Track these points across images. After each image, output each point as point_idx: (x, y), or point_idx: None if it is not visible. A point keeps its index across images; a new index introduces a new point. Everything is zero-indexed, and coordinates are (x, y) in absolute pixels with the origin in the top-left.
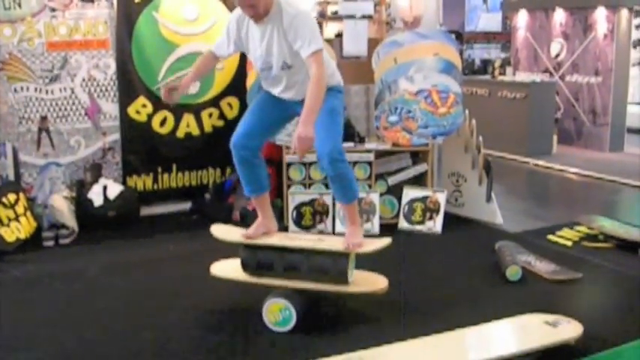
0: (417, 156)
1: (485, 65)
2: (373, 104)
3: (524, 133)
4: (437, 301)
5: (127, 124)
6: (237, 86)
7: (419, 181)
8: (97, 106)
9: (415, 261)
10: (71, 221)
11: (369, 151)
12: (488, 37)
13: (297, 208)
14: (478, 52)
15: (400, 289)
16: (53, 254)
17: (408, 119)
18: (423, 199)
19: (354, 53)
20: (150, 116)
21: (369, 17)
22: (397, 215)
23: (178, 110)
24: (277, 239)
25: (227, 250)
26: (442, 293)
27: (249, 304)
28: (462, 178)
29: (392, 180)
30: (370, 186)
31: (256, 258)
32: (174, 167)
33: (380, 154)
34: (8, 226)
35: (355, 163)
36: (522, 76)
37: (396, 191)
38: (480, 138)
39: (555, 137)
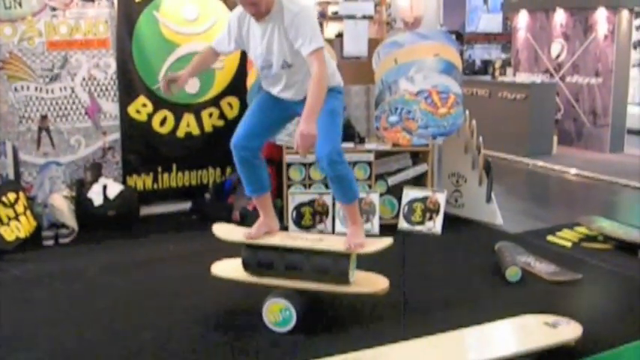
0: (417, 156)
1: (486, 66)
2: (373, 104)
3: (524, 133)
4: (437, 302)
5: (127, 123)
6: (237, 86)
7: (419, 181)
8: (97, 105)
9: (415, 261)
10: (71, 221)
11: (369, 151)
12: (488, 37)
13: (297, 208)
14: (478, 53)
15: (400, 290)
16: (53, 253)
17: (408, 120)
18: (423, 200)
19: (355, 53)
20: (150, 116)
21: (370, 17)
22: (397, 216)
23: (178, 110)
24: (279, 239)
25: (227, 249)
26: (442, 294)
27: (249, 304)
28: (462, 179)
29: (392, 180)
30: (370, 186)
31: (257, 257)
32: (174, 167)
33: (380, 155)
34: (8, 225)
35: (355, 163)
36: (523, 77)
37: (395, 191)
38: (480, 138)
39: (555, 138)
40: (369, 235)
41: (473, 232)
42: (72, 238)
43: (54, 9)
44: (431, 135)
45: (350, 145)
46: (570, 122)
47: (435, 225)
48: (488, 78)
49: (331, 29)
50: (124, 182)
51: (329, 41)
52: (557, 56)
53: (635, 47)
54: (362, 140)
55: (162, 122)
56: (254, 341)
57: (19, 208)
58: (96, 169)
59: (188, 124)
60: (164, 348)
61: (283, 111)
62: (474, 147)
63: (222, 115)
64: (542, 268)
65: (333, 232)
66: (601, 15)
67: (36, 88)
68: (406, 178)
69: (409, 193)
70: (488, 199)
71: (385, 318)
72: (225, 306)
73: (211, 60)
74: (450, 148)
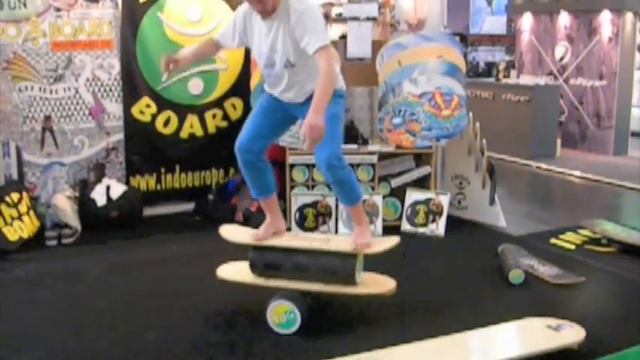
0: (420, 158)
1: (490, 68)
2: (377, 106)
3: (528, 136)
4: (439, 304)
5: (130, 124)
6: (240, 87)
7: (422, 183)
8: (100, 106)
9: (418, 264)
10: (74, 221)
11: (372, 153)
12: (492, 39)
13: (300, 209)
14: (482, 55)
15: (403, 292)
16: (56, 254)
17: (412, 121)
18: (426, 202)
19: (358, 55)
20: (154, 116)
21: (374, 19)
22: (400, 218)
23: (182, 111)
24: (286, 240)
25: (230, 250)
26: (444, 296)
27: (252, 305)
28: (465, 181)
29: (395, 182)
30: (373, 188)
31: (265, 259)
32: (177, 168)
33: (383, 157)
34: (11, 225)
35: (358, 165)
36: (526, 79)
37: (399, 193)
38: (484, 141)
39: (559, 140)
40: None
41: (476, 235)
42: (75, 239)
43: (58, 9)
44: (434, 137)
45: (353, 146)
46: (574, 125)
47: (438, 227)
48: (492, 80)
49: (335, 31)
50: (127, 183)
51: (333, 43)
52: (561, 59)
53: (639, 50)
54: (365, 142)
55: (166, 123)
56: (256, 342)
57: (23, 208)
58: (99, 170)
59: (192, 125)
60: (166, 348)
61: (285, 114)
62: (478, 149)
63: (225, 117)
64: (546, 270)
65: (336, 233)
66: (605, 18)
67: (40, 89)
68: (409, 180)
69: (412, 195)
70: (492, 202)
71: (388, 320)
72: (228, 307)
73: (212, 51)
74: (454, 150)
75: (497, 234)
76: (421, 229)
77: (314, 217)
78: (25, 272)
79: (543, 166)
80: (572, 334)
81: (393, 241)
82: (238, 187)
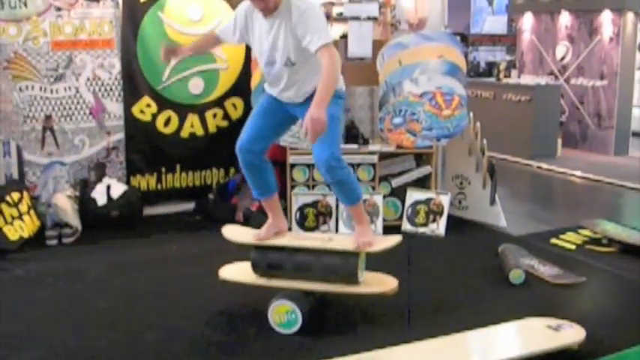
0: (420, 158)
1: (491, 68)
2: (377, 106)
3: (528, 135)
4: (440, 304)
5: (131, 123)
6: (241, 87)
7: (423, 183)
8: (101, 105)
9: (418, 263)
10: (74, 220)
11: (372, 152)
12: (493, 39)
13: (301, 209)
14: (483, 55)
15: (404, 292)
16: (56, 253)
17: (412, 121)
18: (427, 202)
19: (359, 55)
20: (154, 116)
21: (374, 19)
22: (401, 217)
23: (183, 110)
24: (288, 239)
25: (231, 250)
26: (445, 296)
27: (253, 305)
28: (465, 181)
29: (395, 182)
30: (374, 188)
31: (267, 258)
32: (177, 167)
33: (384, 156)
34: (12, 224)
35: (359, 164)
36: (527, 79)
37: (399, 193)
38: (484, 141)
39: (560, 140)
40: None
41: (476, 235)
42: (75, 238)
43: (59, 9)
44: (435, 137)
45: (354, 146)
46: (575, 124)
47: (439, 227)
48: (492, 80)
49: (336, 30)
50: (127, 182)
51: (333, 43)
52: (562, 58)
53: None
54: (366, 142)
55: (167, 122)
56: (257, 342)
57: (23, 207)
58: (100, 169)
59: (192, 125)
60: (166, 348)
61: (286, 114)
62: (478, 149)
63: (226, 116)
64: (546, 270)
65: (337, 233)
66: (606, 17)
67: (40, 88)
68: (410, 179)
69: (413, 195)
70: (492, 202)
71: (388, 320)
72: (229, 306)
73: (212, 45)
74: (454, 150)
75: (498, 234)
76: (422, 229)
77: (314, 217)
78: (25, 272)
79: (544, 166)
80: (572, 334)
81: (395, 239)
82: (239, 187)
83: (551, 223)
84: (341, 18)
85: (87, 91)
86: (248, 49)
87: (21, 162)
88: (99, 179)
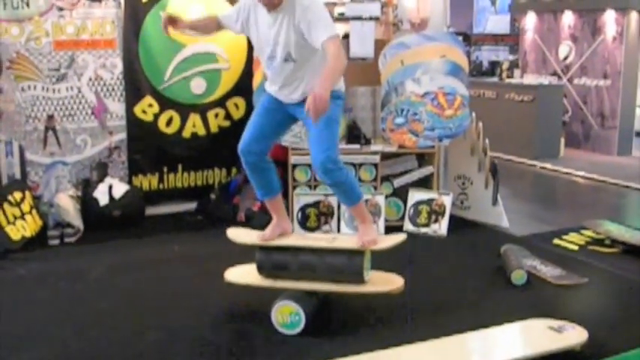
0: (422, 158)
1: (493, 67)
2: (379, 106)
3: (531, 135)
4: (442, 304)
5: (133, 123)
6: (243, 86)
7: (425, 183)
8: (103, 105)
9: (420, 264)
10: (77, 220)
11: (374, 152)
12: (496, 39)
13: (303, 209)
14: (486, 54)
15: (406, 292)
16: (58, 253)
17: (415, 121)
18: (429, 202)
19: (361, 55)
20: (156, 116)
21: (376, 19)
22: (402, 218)
23: (184, 110)
24: (292, 240)
25: (232, 250)
26: (447, 296)
27: (255, 305)
28: (468, 181)
29: (397, 182)
30: (376, 188)
31: (272, 259)
32: (179, 167)
33: (386, 156)
34: (14, 224)
35: (361, 164)
36: (530, 79)
37: (401, 193)
38: (487, 140)
39: (563, 140)
40: None
41: (479, 235)
42: (77, 238)
43: (61, 9)
44: (437, 137)
45: (356, 146)
46: (578, 124)
47: (441, 227)
48: (495, 79)
49: (337, 30)
50: (129, 182)
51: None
52: (565, 58)
53: None
54: (368, 142)
55: (169, 122)
56: (259, 343)
57: (25, 207)
58: (102, 169)
59: (194, 125)
60: (168, 348)
61: (286, 114)
62: (481, 149)
63: (228, 116)
64: (548, 271)
65: (339, 233)
66: (609, 17)
67: (43, 88)
68: (412, 180)
69: (415, 195)
70: (495, 202)
71: (390, 321)
72: (231, 307)
73: (212, 28)
74: (456, 150)
75: (500, 234)
76: (423, 229)
77: (316, 217)
78: (27, 271)
79: (546, 166)
80: (574, 335)
81: (400, 237)
82: (240, 187)
83: (553, 224)
84: (343, 18)
85: (89, 91)
86: (250, 50)
87: (23, 162)
88: (101, 179)
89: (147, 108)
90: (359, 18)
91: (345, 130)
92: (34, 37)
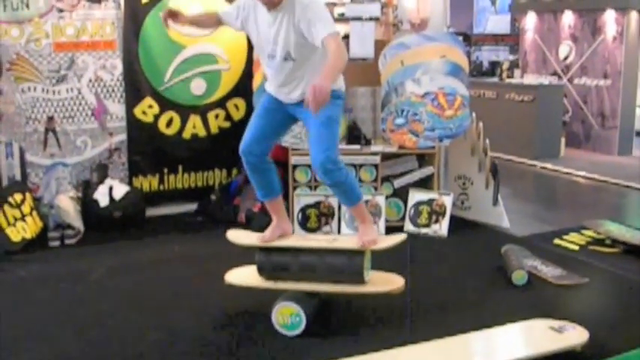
0: (423, 159)
1: (494, 67)
2: (380, 106)
3: (531, 135)
4: (442, 305)
5: (133, 124)
6: (243, 87)
7: (425, 183)
8: (103, 106)
9: (421, 264)
10: (77, 221)
11: (375, 153)
12: (496, 39)
13: (303, 210)
14: (486, 54)
15: (406, 293)
16: (59, 254)
17: (415, 122)
18: (429, 202)
19: (361, 55)
20: (156, 117)
21: (376, 19)
22: (403, 218)
23: (185, 111)
24: (292, 241)
25: (233, 251)
26: (447, 297)
27: (256, 306)
28: (468, 181)
29: (398, 183)
30: (376, 188)
31: (272, 260)
32: (180, 168)
33: (386, 157)
34: (14, 225)
35: (361, 165)
36: (530, 79)
37: (402, 194)
38: (487, 141)
39: (563, 140)
40: None
41: (479, 235)
42: (78, 239)
43: (61, 10)
44: (437, 137)
45: (356, 147)
46: (578, 124)
47: (441, 227)
48: (495, 80)
49: (337, 28)
50: (130, 183)
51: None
52: (566, 58)
53: None
54: (368, 142)
55: (169, 123)
56: (259, 343)
57: (26, 208)
58: (102, 170)
59: (194, 126)
60: (168, 349)
61: (286, 114)
62: (481, 149)
63: (228, 117)
64: (549, 271)
65: (339, 234)
66: (609, 16)
67: (43, 90)
68: (412, 180)
69: (415, 196)
70: (495, 202)
71: (390, 321)
72: (231, 307)
73: (212, 24)
74: (457, 151)
75: (501, 234)
76: (424, 230)
77: (316, 218)
78: (27, 273)
79: (547, 166)
80: (575, 335)
81: (400, 237)
82: (241, 188)
83: (554, 224)
84: (343, 18)
85: (89, 92)
86: (250, 50)
87: (23, 163)
88: (101, 180)
89: (147, 109)
90: (359, 18)
91: (345, 130)
92: (34, 39)
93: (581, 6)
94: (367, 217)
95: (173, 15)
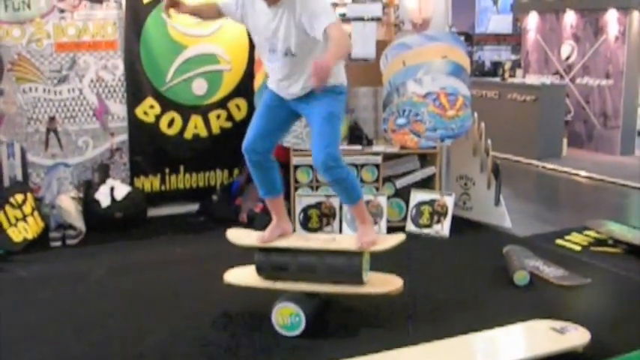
0: (424, 159)
1: (496, 67)
2: (381, 106)
3: (534, 135)
4: (444, 306)
5: (134, 125)
6: (245, 88)
7: (427, 184)
8: (105, 106)
9: (422, 265)
10: (78, 222)
11: (376, 153)
12: (498, 38)
13: (304, 210)
14: (488, 54)
15: (407, 293)
16: (60, 255)
17: (416, 122)
18: (431, 203)
19: (363, 55)
20: (158, 117)
21: (378, 19)
22: (405, 218)
23: (186, 111)
24: (292, 240)
25: (235, 252)
26: (449, 297)
27: (257, 307)
28: (470, 182)
29: (399, 183)
30: (378, 189)
31: (271, 260)
32: (181, 168)
33: (388, 157)
34: (16, 226)
35: (363, 165)
36: (532, 79)
37: (403, 194)
38: (489, 141)
39: (565, 140)
40: None
41: (481, 235)
42: (79, 240)
43: (62, 11)
44: (439, 137)
45: (357, 147)
46: (580, 124)
47: (443, 228)
48: (497, 80)
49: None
50: (131, 184)
51: None
52: (568, 58)
53: None
54: (370, 142)
55: (170, 124)
56: (260, 344)
57: (27, 209)
58: (103, 171)
59: (196, 126)
60: (169, 350)
61: (289, 110)
62: (483, 149)
63: (229, 117)
64: (551, 272)
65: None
66: (611, 16)
67: (44, 90)
68: (414, 180)
69: (417, 196)
70: (497, 202)
71: (391, 322)
72: (232, 308)
73: (212, 15)
74: (459, 151)
75: (503, 235)
76: (426, 230)
77: (318, 219)
78: (28, 273)
79: (549, 166)
80: (577, 336)
81: (399, 238)
82: (242, 188)
83: (556, 224)
84: (344, 19)
85: (90, 92)
86: (251, 51)
87: (25, 163)
88: (102, 181)
89: (148, 109)
90: (360, 19)
91: (346, 130)
92: (36, 39)
93: (583, 6)
94: (367, 217)
95: (175, 4)
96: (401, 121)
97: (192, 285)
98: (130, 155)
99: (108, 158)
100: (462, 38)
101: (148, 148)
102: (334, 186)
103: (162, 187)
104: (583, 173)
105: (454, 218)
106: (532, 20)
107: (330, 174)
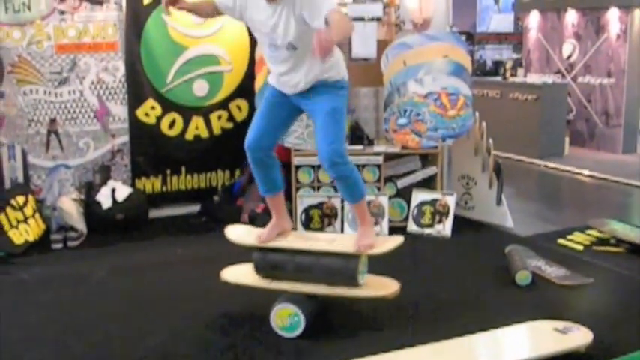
0: (426, 159)
1: (497, 66)
2: (382, 107)
3: (535, 134)
4: (446, 306)
5: (135, 126)
6: (245, 88)
7: (428, 184)
8: (105, 108)
9: (424, 265)
10: (80, 224)
11: (378, 153)
12: (499, 38)
13: (306, 211)
14: (489, 53)
15: (408, 294)
16: (61, 257)
17: (418, 122)
18: (433, 202)
19: (363, 55)
20: (159, 119)
21: (379, 19)
22: (406, 218)
23: (187, 113)
24: (291, 239)
25: (236, 252)
26: (451, 297)
27: (257, 308)
28: (471, 181)
29: (401, 183)
30: (379, 189)
31: (268, 259)
32: (183, 170)
33: (389, 157)
34: (17, 228)
35: (364, 165)
36: (534, 78)
37: (405, 194)
38: (491, 140)
39: (567, 139)
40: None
41: (483, 235)
42: (81, 242)
43: (63, 12)
44: (440, 137)
45: (359, 147)
46: (582, 123)
47: (445, 228)
48: (499, 79)
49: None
50: (132, 185)
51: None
52: (569, 56)
53: None
54: (371, 142)
55: (171, 125)
56: (260, 346)
57: (28, 211)
58: (105, 172)
59: (197, 127)
60: (170, 351)
61: (291, 106)
62: (484, 149)
63: (231, 118)
64: (553, 271)
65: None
66: (613, 15)
67: (45, 92)
68: (415, 180)
69: (418, 196)
70: (499, 202)
71: (393, 323)
72: (233, 309)
73: (210, 12)
74: (460, 150)
75: (505, 234)
76: (427, 230)
77: (320, 219)
78: (30, 275)
79: (551, 165)
80: (579, 336)
81: (397, 240)
82: (244, 189)
83: (558, 223)
84: None
85: (91, 94)
86: (252, 51)
87: (26, 165)
88: (104, 182)
89: (149, 111)
90: (361, 19)
91: (348, 130)
92: (36, 41)
93: (585, 4)
94: (368, 218)
95: (174, 1)
96: (402, 121)
97: (193, 286)
98: (131, 157)
99: (109, 160)
100: (463, 37)
101: (149, 150)
102: (339, 183)
103: (164, 189)
104: (585, 172)
105: (456, 218)
106: (533, 19)
107: (335, 170)
